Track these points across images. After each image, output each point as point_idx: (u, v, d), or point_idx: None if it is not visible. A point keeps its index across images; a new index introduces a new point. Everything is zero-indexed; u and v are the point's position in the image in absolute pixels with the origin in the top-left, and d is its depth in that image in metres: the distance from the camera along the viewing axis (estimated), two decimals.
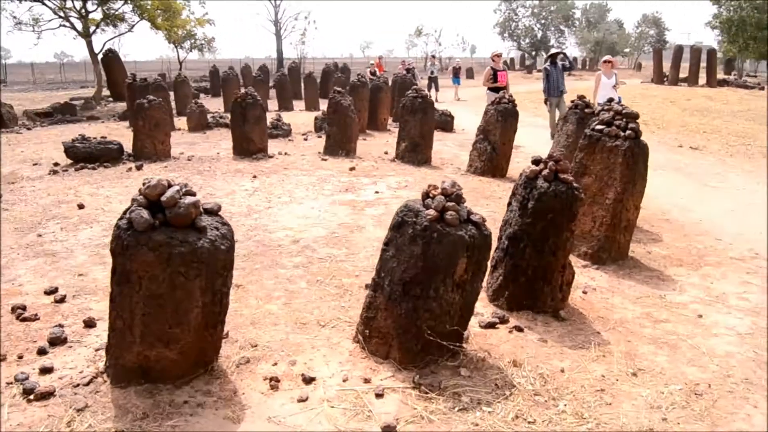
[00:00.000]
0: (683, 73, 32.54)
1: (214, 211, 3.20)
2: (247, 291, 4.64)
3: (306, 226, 6.44)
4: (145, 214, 2.91)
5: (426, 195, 3.37)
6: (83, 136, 10.07)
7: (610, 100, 6.60)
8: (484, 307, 4.41)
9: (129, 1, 22.20)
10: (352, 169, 9.46)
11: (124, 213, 3.03)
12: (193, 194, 3.06)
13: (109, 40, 23.85)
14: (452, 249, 3.19)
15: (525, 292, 4.27)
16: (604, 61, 11.91)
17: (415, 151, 10.16)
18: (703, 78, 31.68)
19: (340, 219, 6.71)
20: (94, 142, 9.93)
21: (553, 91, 12.46)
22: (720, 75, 33.98)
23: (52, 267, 5.26)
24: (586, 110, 8.12)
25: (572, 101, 8.49)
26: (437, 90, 23.32)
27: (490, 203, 7.54)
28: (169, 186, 3.02)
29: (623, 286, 5.10)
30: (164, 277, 2.92)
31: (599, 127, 5.51)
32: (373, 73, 21.14)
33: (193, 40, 32.95)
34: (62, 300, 4.51)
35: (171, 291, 2.95)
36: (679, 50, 33.32)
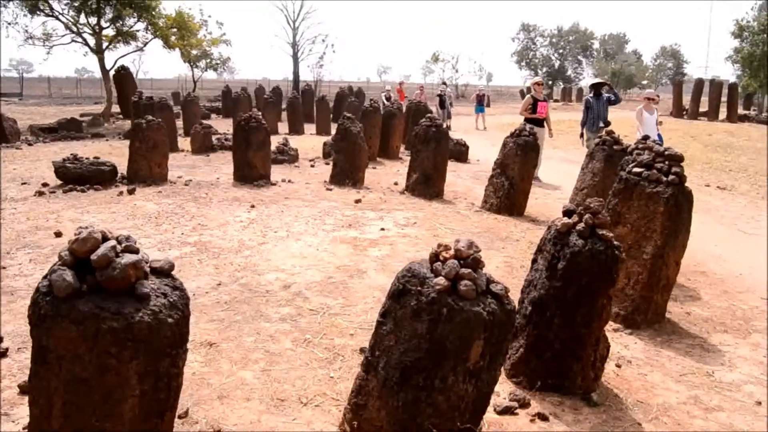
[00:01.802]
0: (703, 107, 31.81)
1: (164, 272, 2.53)
2: (221, 351, 3.94)
3: (301, 267, 5.75)
4: (68, 276, 2.25)
5: (435, 257, 2.68)
6: (75, 156, 9.49)
7: (646, 138, 5.90)
8: (500, 384, 3.67)
9: (142, 19, 21.87)
10: (357, 201, 8.80)
11: (48, 274, 2.37)
12: (135, 251, 2.39)
13: (121, 57, 23.54)
14: (466, 329, 2.49)
15: (551, 369, 3.54)
16: (646, 98, 10.72)
17: (426, 183, 9.49)
18: (723, 113, 30.92)
19: (339, 260, 6.02)
20: (86, 162, 9.35)
21: (591, 126, 11.01)
22: (740, 110, 33.26)
23: (5, 309, 4.60)
24: (615, 147, 7.42)
25: (599, 137, 7.80)
26: (449, 117, 22.67)
27: (507, 246, 6.83)
28: (104, 239, 2.36)
29: (663, 357, 4.36)
30: (90, 359, 2.25)
31: (638, 170, 4.81)
32: (388, 98, 20.55)
33: (208, 60, 32.66)
34: (4, 354, 3.84)
35: (99, 375, 2.27)
36: (699, 83, 32.66)
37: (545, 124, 11.68)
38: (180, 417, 3.09)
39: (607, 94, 11.39)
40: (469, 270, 2.55)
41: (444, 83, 26.08)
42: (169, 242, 6.52)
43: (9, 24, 20.84)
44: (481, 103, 23.64)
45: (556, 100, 54.91)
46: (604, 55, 75.09)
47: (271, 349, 4.00)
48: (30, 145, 15.23)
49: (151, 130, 9.58)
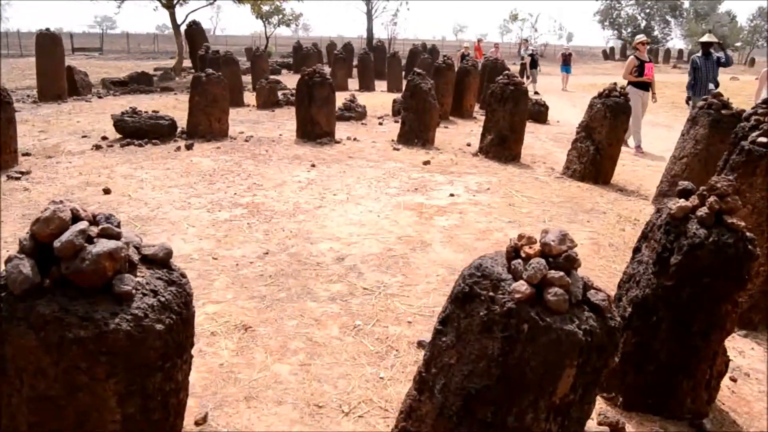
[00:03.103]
0: None
1: (158, 261, 1.97)
2: (257, 337, 3.41)
3: (358, 236, 5.17)
4: (26, 267, 1.72)
5: (514, 252, 2.00)
6: (134, 110, 9.18)
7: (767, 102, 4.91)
8: None
9: None
10: (426, 163, 8.10)
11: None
12: (115, 235, 1.83)
13: (192, 11, 23.33)
14: (554, 354, 1.82)
15: (653, 386, 2.83)
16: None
17: (502, 145, 8.68)
18: None
19: (401, 229, 5.40)
20: (145, 116, 9.02)
21: (700, 90, 9.60)
22: None
23: None
24: (723, 111, 6.41)
25: (704, 99, 6.77)
26: (528, 77, 21.36)
27: (592, 220, 6.02)
28: (75, 219, 1.81)
29: None
30: (56, 374, 1.73)
31: (764, 139, 3.91)
32: (464, 56, 19.45)
33: (280, 16, 32.18)
34: None
35: (69, 395, 1.75)
36: None
37: (650, 88, 10.41)
38: (197, 423, 2.59)
39: (717, 54, 10.02)
40: (561, 273, 1.86)
41: (526, 40, 24.58)
42: (220, 203, 6.06)
43: None
44: (567, 62, 22.15)
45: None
46: (695, 15, 70.03)
47: (315, 337, 3.44)
48: (100, 98, 15.20)
49: (211, 84, 9.14)
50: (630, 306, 2.89)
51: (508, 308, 1.86)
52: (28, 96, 14.71)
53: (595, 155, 7.67)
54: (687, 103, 10.31)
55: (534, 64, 21.17)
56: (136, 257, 1.94)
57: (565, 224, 5.77)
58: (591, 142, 7.74)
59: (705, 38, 10.08)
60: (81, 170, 7.23)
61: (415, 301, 3.96)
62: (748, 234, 2.67)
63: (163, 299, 1.86)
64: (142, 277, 1.91)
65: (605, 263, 4.84)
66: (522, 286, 1.85)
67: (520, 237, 2.00)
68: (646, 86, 10.26)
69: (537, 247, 1.94)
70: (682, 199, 2.79)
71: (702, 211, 2.67)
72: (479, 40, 25.77)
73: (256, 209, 5.86)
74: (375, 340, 3.44)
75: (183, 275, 2.04)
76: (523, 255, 1.95)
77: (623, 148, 9.99)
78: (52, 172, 7.13)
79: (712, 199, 2.67)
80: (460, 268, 4.53)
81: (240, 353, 3.23)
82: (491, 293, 1.93)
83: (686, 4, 70.78)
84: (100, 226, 1.84)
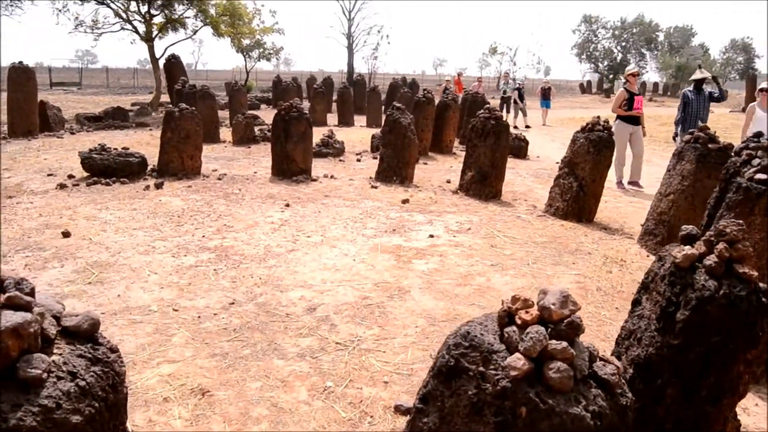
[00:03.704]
0: None
1: (82, 333, 1.64)
2: (215, 404, 3.05)
3: (332, 283, 4.83)
4: None
5: (507, 317, 1.70)
6: (103, 146, 8.83)
7: (758, 135, 4.72)
8: None
9: (192, 6, 21.35)
10: (405, 201, 7.83)
11: None
12: (24, 305, 1.50)
13: (171, 45, 23.21)
14: None
15: None
16: (761, 90, 8.85)
17: (482, 182, 8.44)
18: None
19: (377, 274, 5.08)
20: (114, 153, 8.67)
21: (689, 126, 9.15)
22: None
23: None
24: (710, 145, 6.23)
25: (690, 132, 6.60)
26: (509, 111, 21.31)
27: (578, 261, 5.75)
28: None
29: None
30: None
31: (763, 176, 3.69)
32: (445, 90, 19.38)
33: (261, 49, 32.15)
34: None
35: None
36: None
37: (640, 121, 10.10)
38: None
39: (709, 90, 9.72)
40: (564, 344, 1.56)
41: (507, 74, 24.65)
42: (187, 246, 5.71)
43: (60, 11, 20.62)
44: (547, 97, 22.20)
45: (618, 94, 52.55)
46: (669, 48, 71.69)
47: (281, 402, 3.08)
48: (72, 134, 14.82)
49: (184, 120, 8.84)
50: (631, 367, 2.58)
51: (502, 387, 1.55)
52: None
53: (579, 192, 7.46)
54: (674, 139, 10.05)
55: (521, 97, 21.18)
56: (53, 330, 1.61)
57: (549, 266, 5.50)
58: (574, 179, 7.53)
59: (697, 75, 9.70)
60: (42, 211, 6.84)
61: (391, 357, 3.62)
62: (761, 285, 2.40)
63: (83, 383, 1.53)
64: (60, 355, 1.58)
65: (594, 309, 4.56)
66: (518, 361, 1.55)
67: (515, 299, 1.69)
68: (635, 120, 10.01)
69: (534, 311, 1.64)
70: (688, 246, 2.51)
71: (710, 260, 2.40)
72: (459, 74, 25.84)
73: (225, 253, 5.51)
74: (347, 404, 3.09)
75: (113, 350, 1.71)
76: (518, 321, 1.65)
77: (628, 188, 9.87)
78: (10, 213, 6.73)
79: (721, 246, 2.40)
80: (440, 318, 4.23)
81: (194, 423, 2.86)
82: (481, 368, 1.62)
83: (661, 37, 72.45)
84: (6, 295, 1.50)
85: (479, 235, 6.41)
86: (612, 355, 2.76)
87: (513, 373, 1.54)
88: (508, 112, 20.97)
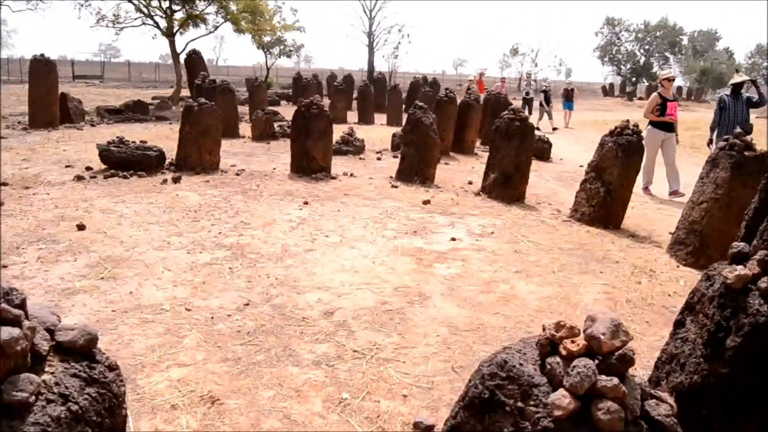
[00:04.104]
0: None
1: (78, 349, 1.48)
2: (224, 413, 2.89)
3: (350, 286, 4.67)
4: None
5: (550, 345, 1.52)
6: (121, 139, 8.75)
7: None
8: None
9: (214, 3, 21.31)
10: (426, 202, 7.65)
11: None
12: (12, 319, 1.34)
13: (192, 40, 23.24)
14: None
15: None
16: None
17: (506, 184, 8.23)
18: None
19: (398, 278, 4.91)
20: (132, 146, 8.58)
21: (725, 131, 8.44)
22: None
23: None
24: (747, 153, 5.98)
25: (724, 139, 6.35)
26: (530, 113, 20.97)
27: (605, 270, 5.52)
28: None
29: None
30: None
31: None
32: (468, 89, 19.06)
33: (282, 46, 32.10)
34: None
35: None
36: None
37: (674, 128, 9.68)
38: None
39: (747, 94, 9.25)
40: (615, 381, 1.38)
41: (528, 75, 24.32)
42: (203, 243, 5.58)
43: (82, 5, 20.69)
44: (570, 98, 21.76)
45: (640, 98, 51.91)
46: (693, 52, 70.64)
47: (294, 413, 2.92)
48: (93, 126, 14.83)
49: (203, 114, 8.73)
50: (672, 395, 2.38)
51: (543, 427, 1.37)
52: (19, 123, 14.33)
53: (606, 197, 7.22)
54: (708, 145, 9.52)
55: (548, 100, 20.81)
56: (45, 346, 1.45)
57: (576, 275, 5.29)
58: (601, 184, 7.29)
59: (736, 79, 9.19)
60: (58, 203, 6.76)
61: (411, 368, 3.45)
62: None
63: (76, 407, 1.38)
64: (52, 374, 1.43)
65: (624, 324, 4.33)
66: (564, 399, 1.37)
67: (559, 326, 1.52)
68: (669, 127, 9.54)
69: (581, 341, 1.47)
70: (739, 266, 2.31)
71: (765, 282, 2.19)
72: (481, 74, 25.53)
73: (241, 251, 5.37)
74: (364, 419, 2.92)
75: (111, 367, 1.56)
76: (562, 351, 1.47)
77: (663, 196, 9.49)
78: (26, 204, 6.66)
79: None
80: (463, 327, 4.04)
81: None
82: (520, 403, 1.45)
83: (685, 41, 71.45)
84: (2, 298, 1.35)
85: (503, 240, 6.21)
86: (650, 380, 2.56)
87: (557, 412, 1.36)
88: (530, 113, 20.64)
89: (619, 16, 76.29)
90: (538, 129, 19.37)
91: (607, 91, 57.27)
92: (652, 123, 9.59)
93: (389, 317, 4.12)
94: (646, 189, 9.80)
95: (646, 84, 61.13)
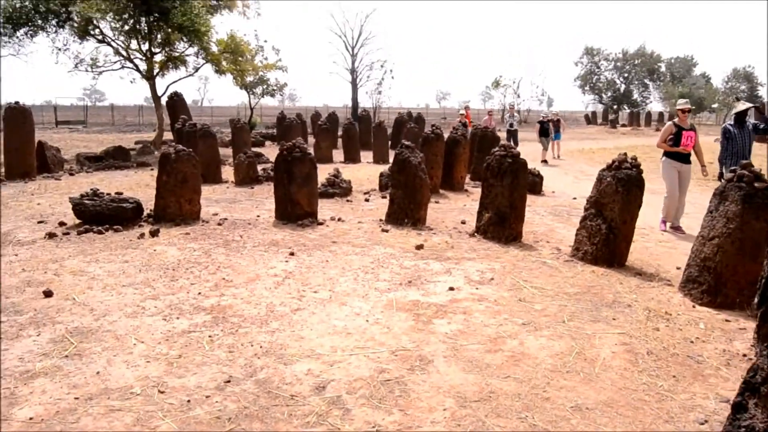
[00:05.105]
0: None
1: None
2: None
3: (343, 352, 4.22)
4: None
5: None
6: (95, 191, 8.31)
7: None
8: None
9: (193, 44, 21.11)
10: (419, 247, 7.25)
11: None
12: None
13: (173, 82, 23.09)
14: None
15: None
16: None
17: (501, 224, 7.86)
18: None
19: (395, 339, 4.47)
20: (107, 199, 8.15)
21: (733, 161, 8.17)
22: None
23: None
24: (757, 184, 5.65)
25: (732, 170, 6.03)
26: (516, 145, 20.73)
27: (618, 316, 5.12)
28: None
29: None
30: None
31: None
32: (463, 124, 18.74)
33: (264, 86, 31.92)
34: None
35: None
36: None
37: (694, 158, 9.14)
38: None
39: (754, 122, 8.89)
40: None
41: (512, 107, 24.21)
42: (181, 306, 5.12)
43: (60, 50, 20.38)
44: (557, 129, 21.47)
45: (623, 125, 52.26)
46: (671, 78, 71.69)
47: None
48: (71, 175, 14.40)
49: (181, 162, 8.33)
50: None
51: None
52: None
53: (608, 235, 6.86)
54: (719, 179, 8.82)
55: (545, 132, 20.15)
56: None
57: (588, 324, 4.88)
58: (602, 221, 6.94)
59: (739, 107, 8.80)
60: (26, 265, 6.29)
61: None
62: None
63: None
64: None
65: (648, 380, 3.92)
66: None
67: None
68: (684, 158, 9.01)
69: None
70: None
71: None
72: (466, 108, 25.42)
73: (222, 315, 4.92)
74: None
75: None
76: None
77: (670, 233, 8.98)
78: None
79: None
80: (472, 397, 3.57)
81: None
82: None
83: (663, 68, 72.52)
84: None
85: (504, 287, 5.80)
86: None
87: None
88: (515, 145, 20.39)
89: (597, 46, 77.25)
90: (544, 162, 19.13)
91: (590, 119, 57.73)
92: (666, 154, 9.14)
93: (388, 389, 3.67)
94: (676, 228, 9.09)
95: (628, 111, 61.67)
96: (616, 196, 6.84)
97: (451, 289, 5.67)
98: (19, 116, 13.43)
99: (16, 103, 13.75)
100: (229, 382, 3.74)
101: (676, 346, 4.50)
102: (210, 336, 4.47)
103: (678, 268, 6.70)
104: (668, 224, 9.22)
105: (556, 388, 3.72)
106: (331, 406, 3.46)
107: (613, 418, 3.39)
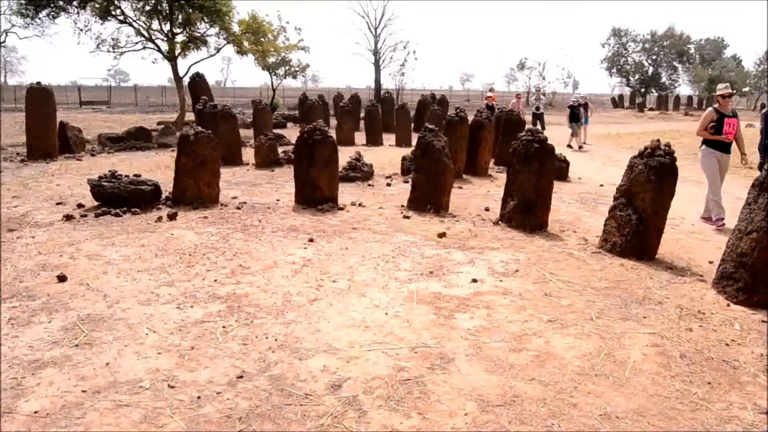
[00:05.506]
0: None
1: None
2: None
3: (360, 347, 4.06)
4: None
5: None
6: (113, 173, 8.22)
7: None
8: None
9: (215, 24, 20.94)
10: (441, 235, 7.04)
11: None
12: None
13: (195, 63, 22.98)
14: None
15: None
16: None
17: (527, 212, 7.62)
18: None
19: (415, 335, 4.29)
20: (125, 180, 8.05)
21: None
22: None
23: None
24: None
25: None
26: (543, 129, 20.27)
27: (649, 314, 4.88)
28: None
29: None
30: None
31: None
32: (490, 107, 18.33)
33: (287, 67, 31.75)
34: None
35: None
36: None
37: (735, 146, 8.57)
38: None
39: None
40: None
41: (538, 89, 23.76)
42: (195, 294, 4.99)
43: (81, 30, 20.36)
44: (586, 113, 20.80)
45: (651, 109, 51.26)
46: (701, 60, 70.00)
47: None
48: (93, 155, 14.39)
49: (200, 144, 8.20)
50: None
51: None
52: (18, 154, 13.93)
53: (639, 226, 6.59)
54: (760, 169, 8.08)
55: (575, 117, 19.32)
56: None
57: (617, 322, 4.65)
58: (633, 211, 6.66)
59: None
60: (42, 248, 6.21)
61: None
62: None
63: None
64: None
65: (682, 386, 3.69)
66: None
67: None
68: (725, 147, 8.44)
69: None
70: None
71: None
72: (491, 89, 25.01)
73: (237, 304, 4.78)
74: None
75: None
76: None
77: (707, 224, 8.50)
78: (7, 250, 6.13)
79: None
80: (495, 401, 3.34)
81: None
82: None
83: (692, 50, 70.87)
84: None
85: (529, 279, 5.58)
86: None
87: None
88: (542, 129, 19.96)
89: (625, 27, 75.58)
90: (580, 148, 18.68)
91: (617, 102, 56.72)
92: (705, 142, 8.55)
93: (407, 389, 3.50)
94: (719, 221, 8.40)
95: (656, 94, 60.51)
96: (648, 185, 6.55)
97: (474, 281, 5.47)
98: (40, 97, 13.39)
99: (38, 83, 13.71)
100: (241, 377, 3.60)
101: (710, 349, 4.25)
102: (224, 327, 4.34)
103: (711, 263, 6.42)
104: (714, 218, 8.50)
105: (583, 393, 3.51)
106: (347, 407, 3.30)
107: (644, 429, 3.18)
